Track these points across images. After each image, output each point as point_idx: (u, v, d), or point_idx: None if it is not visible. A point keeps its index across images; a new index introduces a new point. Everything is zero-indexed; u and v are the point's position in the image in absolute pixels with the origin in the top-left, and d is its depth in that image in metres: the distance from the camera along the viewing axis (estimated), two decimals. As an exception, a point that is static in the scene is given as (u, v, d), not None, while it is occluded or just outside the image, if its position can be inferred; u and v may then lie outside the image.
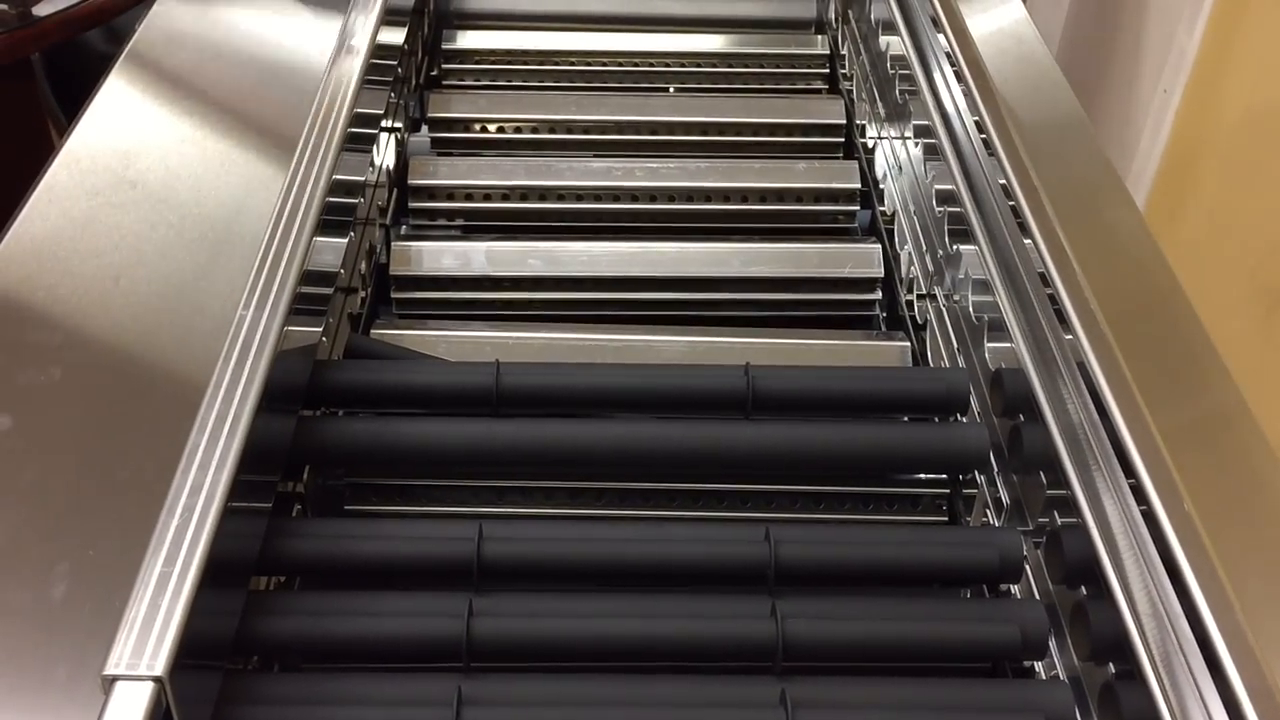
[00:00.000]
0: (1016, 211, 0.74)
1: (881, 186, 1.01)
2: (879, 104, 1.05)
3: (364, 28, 0.88)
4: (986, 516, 0.72)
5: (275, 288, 0.65)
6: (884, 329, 0.96)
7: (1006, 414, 0.71)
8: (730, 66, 1.20)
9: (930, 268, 0.88)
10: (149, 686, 0.47)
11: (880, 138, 1.04)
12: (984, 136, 0.80)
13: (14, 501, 0.59)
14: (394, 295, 0.93)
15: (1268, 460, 0.63)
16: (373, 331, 0.86)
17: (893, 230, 0.97)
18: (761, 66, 1.20)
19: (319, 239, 0.72)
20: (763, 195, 1.02)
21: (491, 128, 1.08)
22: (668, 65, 1.20)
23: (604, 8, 1.24)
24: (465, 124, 1.08)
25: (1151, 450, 0.59)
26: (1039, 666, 0.64)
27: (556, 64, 1.19)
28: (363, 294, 0.88)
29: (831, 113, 1.11)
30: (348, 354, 0.80)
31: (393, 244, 0.94)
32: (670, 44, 1.21)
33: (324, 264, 0.75)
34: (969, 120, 0.83)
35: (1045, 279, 0.69)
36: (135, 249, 0.74)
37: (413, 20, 1.09)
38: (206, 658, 0.53)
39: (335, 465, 0.73)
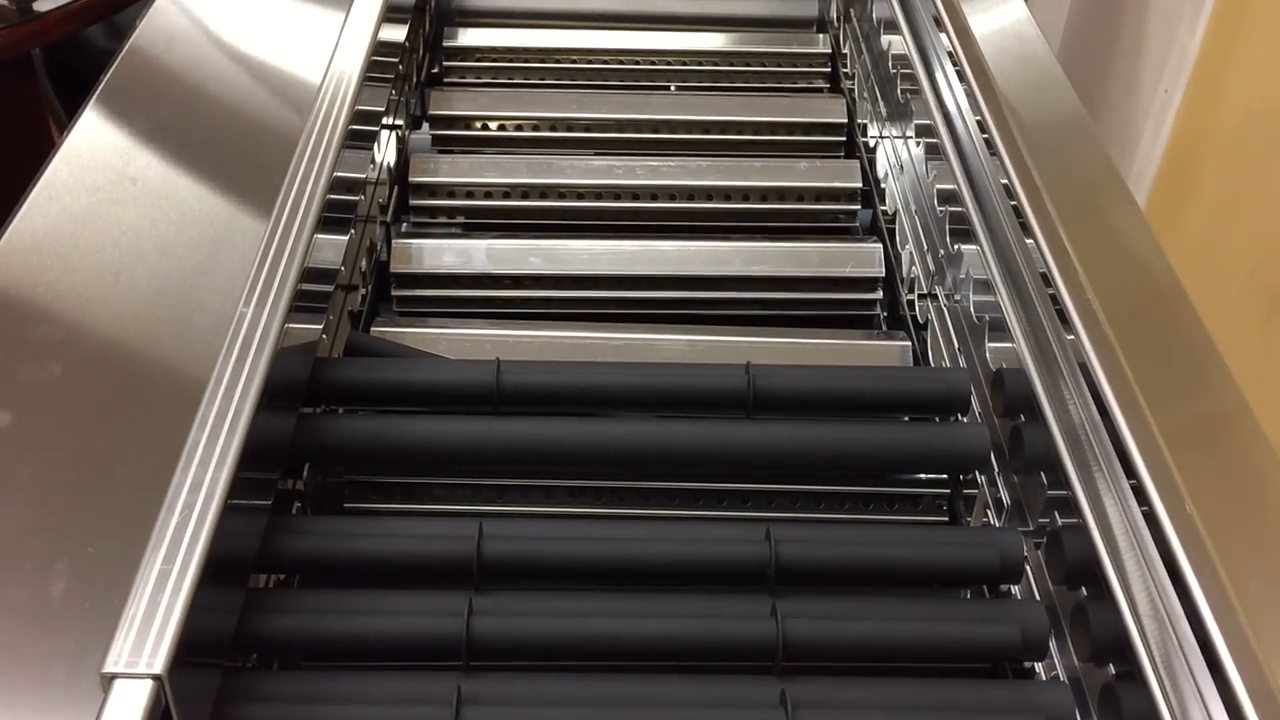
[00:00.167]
0: (1018, 211, 0.74)
1: (883, 186, 1.01)
2: (880, 103, 1.05)
3: (365, 24, 0.88)
4: (987, 517, 0.72)
5: (276, 285, 0.65)
6: (885, 328, 0.96)
7: (1007, 414, 0.71)
8: (732, 65, 1.20)
9: (931, 267, 0.88)
10: (148, 685, 0.46)
11: (882, 137, 1.04)
12: (986, 136, 0.80)
13: (13, 498, 0.59)
14: (394, 293, 0.93)
15: (1269, 461, 0.63)
16: (373, 329, 0.86)
17: (894, 230, 0.97)
18: (763, 65, 1.20)
19: (319, 236, 0.71)
20: (764, 194, 1.02)
21: (493, 125, 1.08)
22: (669, 63, 1.20)
23: (606, 6, 1.23)
24: (466, 121, 1.08)
25: (1153, 451, 0.58)
26: (1039, 667, 0.64)
27: (558, 62, 1.19)
28: (363, 291, 0.88)
29: (833, 112, 1.10)
30: (348, 351, 0.80)
31: (393, 241, 0.94)
32: (672, 42, 1.20)
33: (324, 261, 0.75)
34: (971, 119, 0.83)
35: (1047, 279, 0.69)
36: (135, 245, 0.74)
37: (414, 17, 1.09)
38: (206, 656, 0.53)
39: (335, 463, 0.73)
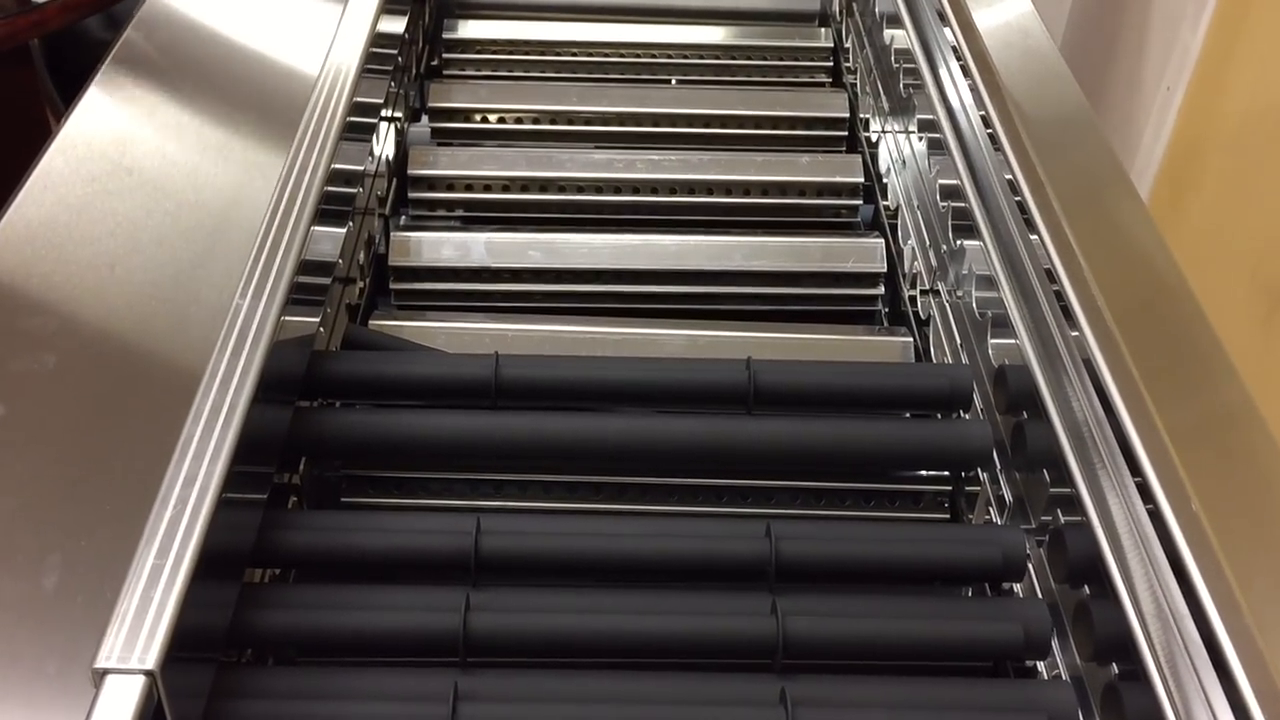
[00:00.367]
0: (1022, 206, 0.73)
1: (885, 181, 1.01)
2: (883, 98, 1.04)
3: (364, 15, 0.88)
4: (989, 514, 0.72)
5: (272, 277, 0.65)
6: (886, 324, 0.95)
7: (1010, 410, 0.70)
8: (733, 59, 1.19)
9: (934, 263, 0.87)
10: (140, 680, 0.46)
11: (884, 131, 1.03)
12: (990, 131, 0.79)
13: (5, 491, 0.58)
14: (392, 286, 0.92)
15: (1276, 459, 0.62)
16: (371, 322, 0.85)
17: (896, 225, 0.96)
18: (765, 59, 1.20)
19: (317, 228, 0.71)
20: (765, 188, 1.01)
21: (492, 118, 1.08)
22: (670, 57, 1.19)
23: (607, -2, 1.23)
24: (466, 114, 1.08)
25: (1158, 447, 0.58)
26: (1041, 666, 0.64)
27: (558, 54, 1.18)
28: (361, 284, 0.87)
29: (835, 106, 1.10)
30: (345, 345, 0.79)
31: (392, 234, 0.93)
32: (673, 35, 1.20)
33: (322, 254, 0.74)
34: (974, 114, 0.82)
35: (1050, 274, 0.69)
36: (131, 236, 0.73)
37: (413, 9, 1.09)
38: (199, 651, 0.52)
39: (332, 457, 0.72)
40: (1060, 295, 0.68)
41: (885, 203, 1.00)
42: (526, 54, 1.18)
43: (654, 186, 1.00)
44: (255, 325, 0.62)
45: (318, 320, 0.73)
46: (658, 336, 0.86)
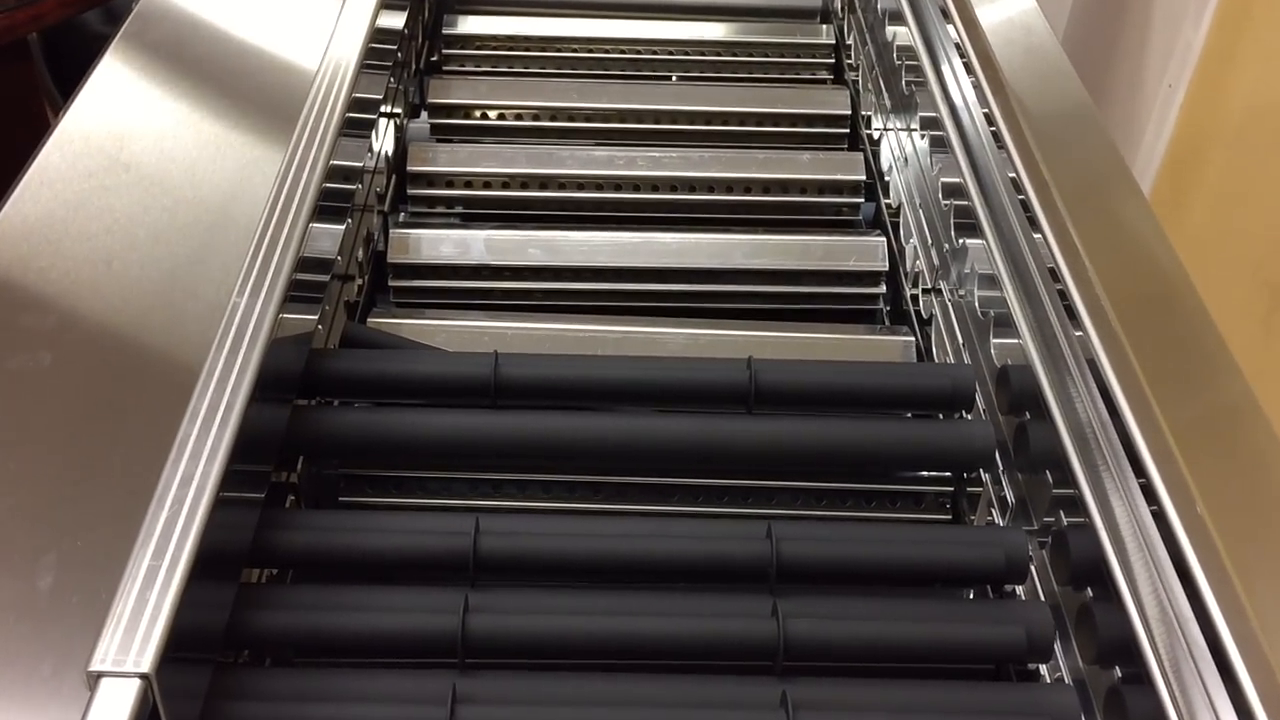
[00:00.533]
0: (1025, 205, 0.73)
1: (887, 179, 1.00)
2: (885, 95, 1.04)
3: (363, 10, 0.87)
4: (991, 515, 0.71)
5: (270, 274, 0.64)
6: (888, 323, 0.95)
7: (1013, 411, 0.70)
8: (734, 55, 1.19)
9: (936, 262, 0.87)
10: (135, 683, 0.45)
11: (886, 129, 1.03)
12: (993, 129, 0.79)
13: (0, 490, 0.58)
14: (391, 283, 0.92)
15: (1280, 461, 0.62)
16: (369, 320, 0.85)
17: (898, 223, 0.96)
18: (766, 55, 1.19)
19: (315, 225, 0.70)
20: (766, 186, 1.01)
21: (492, 114, 1.07)
22: (671, 53, 1.18)
23: (607, -6, 1.22)
24: (465, 110, 1.07)
25: (1162, 449, 0.57)
26: (1044, 669, 0.63)
27: (559, 50, 1.17)
28: (359, 282, 0.87)
29: (836, 103, 1.09)
30: (344, 343, 0.79)
31: (391, 231, 0.93)
32: (674, 31, 1.19)
33: (320, 251, 0.74)
34: (977, 112, 0.82)
35: (1054, 273, 0.68)
36: (128, 233, 0.73)
37: (413, 4, 1.08)
38: (195, 653, 0.52)
39: (330, 456, 0.72)
40: (1064, 295, 0.67)
41: (887, 201, 0.99)
42: (527, 50, 1.17)
43: (654, 184, 1.00)
44: (253, 323, 0.61)
45: (316, 318, 0.72)
46: (658, 335, 0.86)
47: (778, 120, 1.08)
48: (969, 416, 0.74)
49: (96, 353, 0.65)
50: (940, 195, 0.86)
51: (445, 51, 1.17)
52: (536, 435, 0.69)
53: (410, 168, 0.99)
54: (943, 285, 0.84)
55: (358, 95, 0.81)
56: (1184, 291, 0.72)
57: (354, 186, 0.83)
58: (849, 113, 1.09)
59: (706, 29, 1.20)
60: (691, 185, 1.00)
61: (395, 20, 0.99)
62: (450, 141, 1.06)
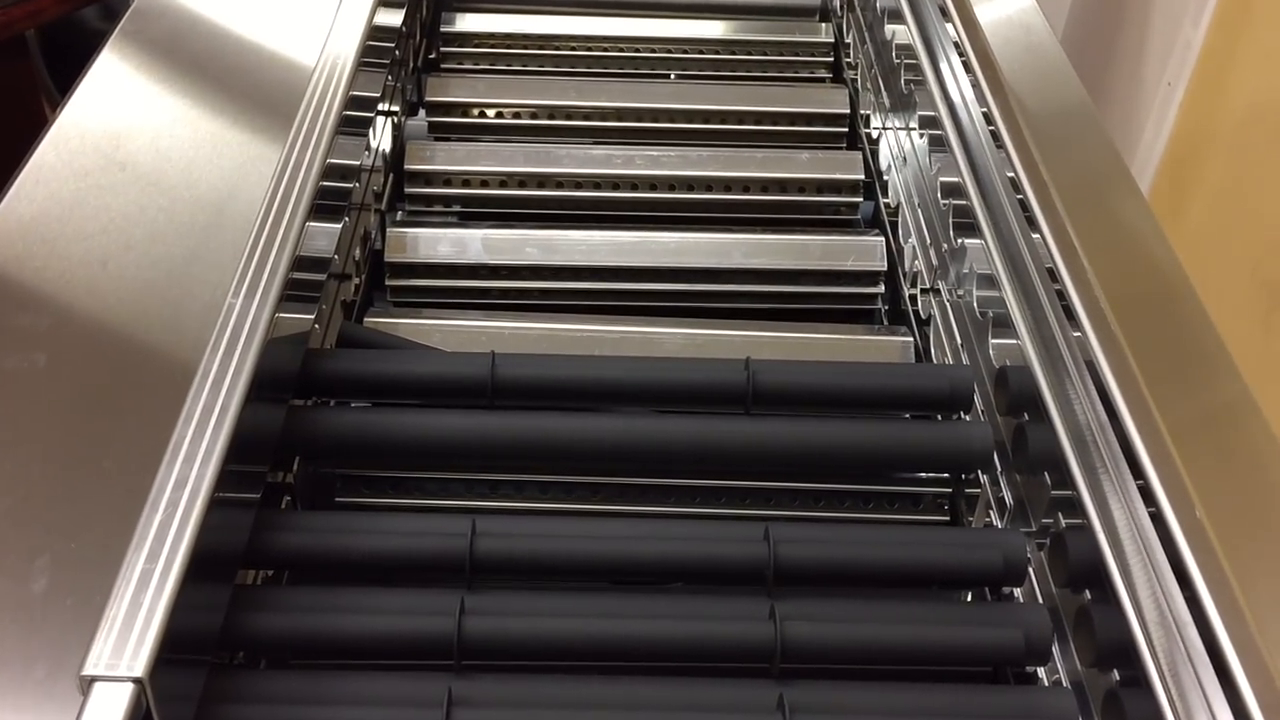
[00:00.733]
0: (1024, 205, 0.73)
1: (885, 178, 1.00)
2: (884, 94, 1.03)
3: (361, 8, 0.87)
4: (989, 517, 0.71)
5: (266, 274, 0.64)
6: (886, 323, 0.95)
7: (1011, 412, 0.69)
8: (733, 54, 1.18)
9: (934, 261, 0.86)
10: (128, 688, 0.45)
11: (885, 128, 1.02)
12: (992, 128, 0.78)
13: (-6, 491, 0.58)
14: (388, 282, 0.92)
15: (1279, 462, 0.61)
16: (366, 320, 0.84)
17: (896, 223, 0.96)
18: (765, 54, 1.19)
19: (312, 224, 0.70)
20: (764, 185, 1.00)
21: (490, 113, 1.07)
22: (669, 51, 1.18)
23: (606, -9, 1.22)
24: (463, 108, 1.07)
25: (1160, 451, 0.57)
26: (1041, 672, 0.63)
27: (557, 49, 1.17)
28: (356, 281, 0.86)
29: (835, 102, 1.09)
30: (340, 342, 0.78)
31: (388, 230, 0.93)
32: (672, 30, 1.19)
33: (317, 250, 0.74)
34: (976, 111, 0.82)
35: (1053, 274, 0.68)
36: (124, 232, 0.72)
37: (411, 1, 1.08)
38: (190, 656, 0.52)
39: (326, 456, 0.71)
40: (1062, 295, 0.67)
41: (886, 200, 0.99)
42: (525, 48, 1.17)
43: (653, 183, 1.00)
44: (249, 323, 0.61)
45: (312, 317, 0.72)
46: (656, 335, 0.86)
47: (776, 119, 1.08)
48: (967, 417, 0.74)
49: (92, 354, 0.65)
50: (939, 194, 0.86)
51: (443, 49, 1.16)
52: (533, 436, 0.69)
53: (408, 166, 0.98)
54: (941, 285, 0.84)
55: (355, 93, 0.80)
56: (1183, 291, 0.72)
57: (351, 185, 0.83)
58: (848, 111, 1.09)
59: (705, 27, 1.20)
60: (690, 184, 1.00)
61: (393, 18, 0.98)
62: (448, 140, 1.06)
